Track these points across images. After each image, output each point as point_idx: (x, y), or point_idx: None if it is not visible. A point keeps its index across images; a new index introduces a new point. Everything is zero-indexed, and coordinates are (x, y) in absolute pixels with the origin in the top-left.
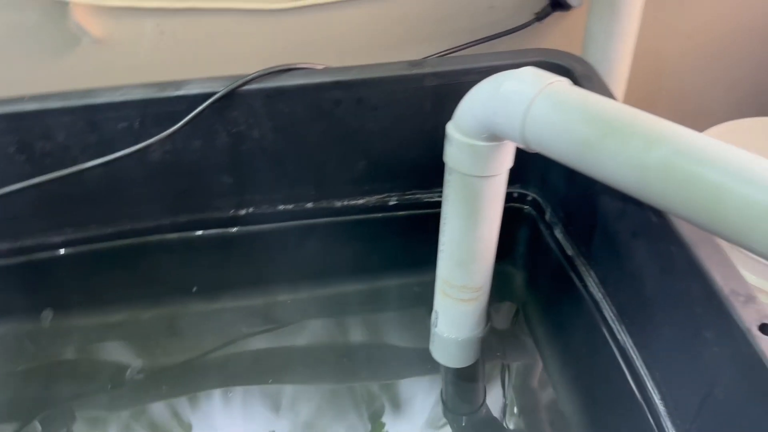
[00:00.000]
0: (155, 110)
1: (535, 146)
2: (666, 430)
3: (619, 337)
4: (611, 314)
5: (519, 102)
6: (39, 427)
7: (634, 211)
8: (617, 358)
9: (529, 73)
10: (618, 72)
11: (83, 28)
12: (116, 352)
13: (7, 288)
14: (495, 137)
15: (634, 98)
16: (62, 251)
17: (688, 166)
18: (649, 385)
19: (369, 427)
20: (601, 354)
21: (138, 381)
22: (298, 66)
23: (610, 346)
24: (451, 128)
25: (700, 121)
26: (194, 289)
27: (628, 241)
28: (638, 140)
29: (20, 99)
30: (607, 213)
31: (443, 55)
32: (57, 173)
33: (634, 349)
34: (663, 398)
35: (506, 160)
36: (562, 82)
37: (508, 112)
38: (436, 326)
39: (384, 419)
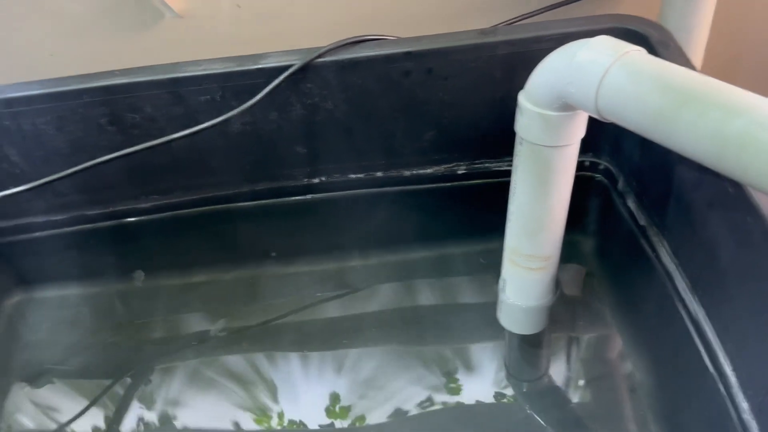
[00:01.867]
0: (235, 83)
1: (609, 116)
2: (738, 401)
3: (691, 308)
4: (684, 285)
5: (593, 72)
6: (129, 380)
7: (710, 182)
8: (689, 329)
9: (604, 42)
10: (696, 39)
11: (166, 3)
12: (200, 312)
13: (99, 251)
14: (568, 107)
15: (711, 67)
16: (149, 216)
17: None
18: (722, 356)
19: (437, 382)
20: (672, 324)
21: (220, 338)
22: (370, 37)
23: (682, 317)
24: (522, 98)
25: None
26: (273, 254)
27: (703, 212)
28: (717, 111)
29: (111, 73)
30: (683, 183)
31: (513, 22)
32: (147, 144)
33: (707, 320)
34: (735, 370)
35: (578, 130)
36: (639, 52)
37: (581, 81)
38: (503, 293)
39: (446, 379)
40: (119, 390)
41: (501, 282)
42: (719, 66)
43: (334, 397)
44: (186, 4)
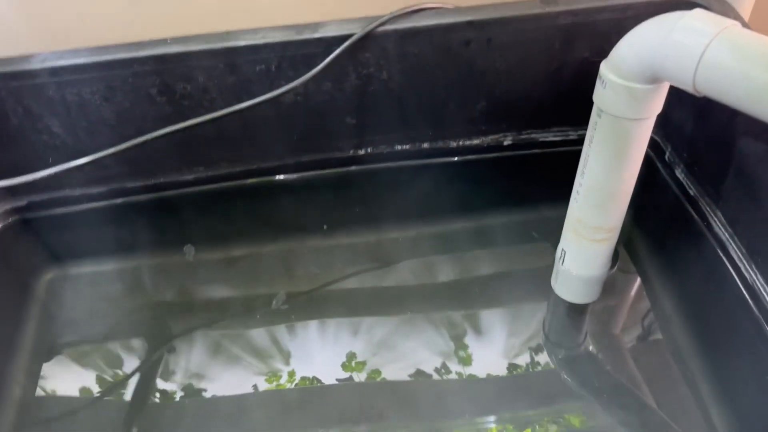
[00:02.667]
0: (292, 53)
1: (706, 91)
2: None
3: (747, 276)
4: (739, 254)
5: (693, 45)
6: (171, 351)
7: None
8: (745, 297)
9: (702, 15)
10: (743, 11)
11: None
12: (242, 284)
13: (140, 224)
14: (657, 80)
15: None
16: (193, 188)
17: None
18: None
19: (454, 347)
20: (724, 292)
21: (268, 310)
22: (429, 6)
23: (737, 285)
24: (606, 69)
25: None
26: (324, 227)
27: None
28: None
29: (163, 41)
30: (747, 155)
31: None
32: (199, 119)
33: (766, 287)
34: None
35: (660, 102)
36: (737, 26)
37: (680, 56)
38: (562, 263)
39: (477, 343)
40: (162, 360)
41: (559, 251)
42: None
43: (356, 359)
44: None
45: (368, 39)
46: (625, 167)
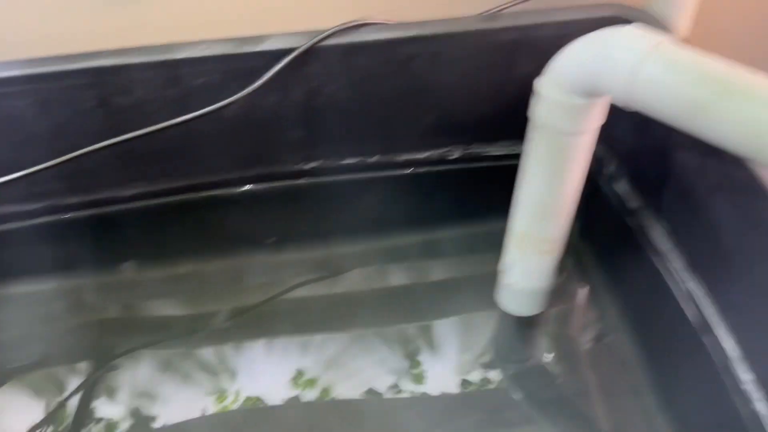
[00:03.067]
0: (235, 66)
1: (639, 106)
2: (738, 372)
3: (687, 285)
4: (680, 264)
5: (627, 61)
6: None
7: (715, 166)
8: (685, 306)
9: (637, 31)
10: (681, 27)
11: None
12: (187, 301)
13: (78, 242)
14: (593, 94)
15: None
16: (134, 204)
17: None
18: (721, 331)
19: (407, 365)
20: (665, 302)
21: (213, 327)
22: (373, 21)
23: (677, 295)
24: (542, 84)
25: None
26: (268, 240)
27: (705, 195)
28: (759, 102)
29: (99, 54)
30: (684, 167)
31: (508, 8)
32: (138, 132)
33: (706, 297)
34: (739, 342)
35: (600, 116)
36: (671, 41)
37: (614, 71)
38: (507, 276)
39: (429, 360)
40: (105, 381)
41: (504, 265)
42: None
43: (304, 376)
44: None
45: (312, 53)
46: (566, 181)
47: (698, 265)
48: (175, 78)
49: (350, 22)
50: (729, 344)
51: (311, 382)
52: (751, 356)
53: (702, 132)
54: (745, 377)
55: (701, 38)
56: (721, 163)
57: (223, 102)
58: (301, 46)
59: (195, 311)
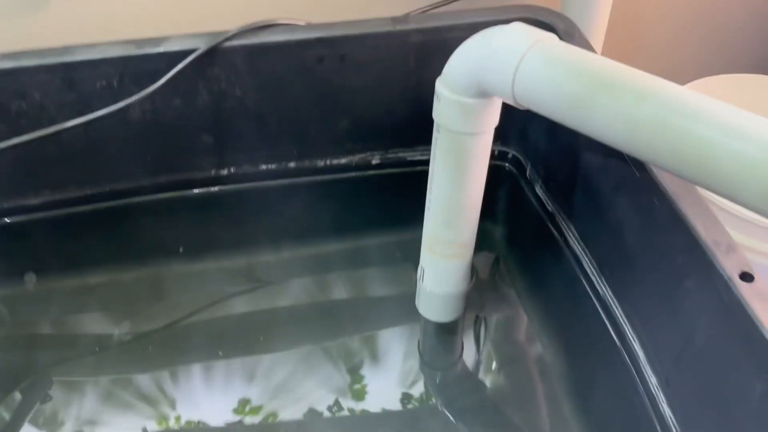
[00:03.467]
0: (134, 68)
1: (525, 102)
2: (646, 375)
3: (599, 288)
4: (591, 268)
5: (509, 58)
6: (19, 396)
7: (615, 166)
8: (597, 309)
9: (519, 29)
10: (597, 28)
11: None
12: (98, 316)
13: None
14: (484, 93)
15: (609, 55)
16: (39, 214)
17: (678, 120)
18: (629, 334)
19: (348, 379)
20: (581, 306)
21: (122, 344)
22: (279, 22)
23: (591, 298)
24: (440, 85)
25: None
26: (180, 249)
27: (609, 196)
28: (629, 95)
29: None
30: (589, 168)
31: (425, 11)
32: (34, 134)
33: (614, 300)
34: (643, 346)
35: (494, 117)
36: (552, 38)
37: (498, 68)
38: (422, 282)
39: (362, 372)
40: (9, 406)
41: (419, 270)
42: (617, 54)
43: (244, 401)
44: None
45: (215, 54)
46: (467, 182)
47: (606, 268)
48: (72, 81)
49: (255, 23)
50: (637, 347)
51: (255, 410)
52: (652, 359)
53: (583, 127)
54: (652, 380)
55: (618, 39)
56: (621, 162)
57: (118, 105)
58: (203, 47)
59: (104, 326)
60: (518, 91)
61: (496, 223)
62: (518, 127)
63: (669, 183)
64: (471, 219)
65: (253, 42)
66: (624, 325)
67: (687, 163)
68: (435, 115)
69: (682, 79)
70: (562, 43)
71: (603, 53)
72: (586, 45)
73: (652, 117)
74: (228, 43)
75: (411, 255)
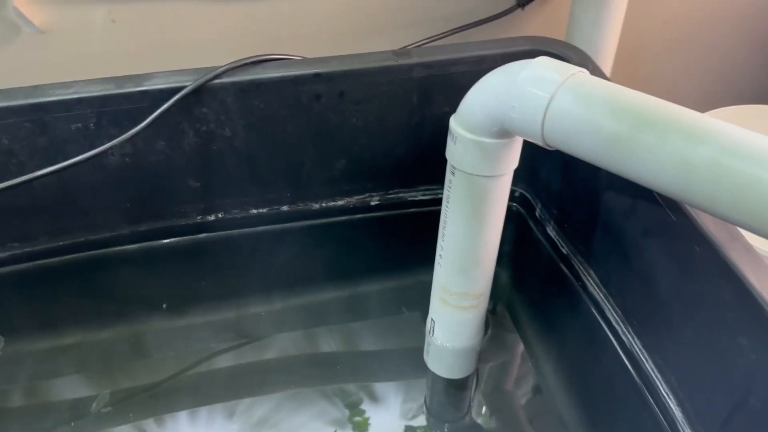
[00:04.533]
0: (113, 108)
1: (556, 143)
2: None
3: (624, 339)
4: (615, 316)
5: (539, 95)
6: None
7: (645, 208)
8: (624, 362)
9: (548, 63)
10: (604, 60)
11: (24, 16)
12: (74, 381)
13: None
14: (506, 133)
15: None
16: (7, 268)
17: (743, 165)
18: (662, 390)
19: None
20: (604, 357)
21: (101, 411)
22: (273, 57)
23: (615, 349)
24: (455, 123)
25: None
26: (164, 305)
27: (637, 240)
28: (681, 136)
29: None
30: (612, 210)
31: (422, 44)
32: (1, 184)
33: (644, 352)
34: (680, 404)
35: (515, 157)
36: (584, 73)
37: (525, 106)
38: (432, 335)
39: (362, 425)
40: None
41: (429, 323)
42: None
43: None
44: (50, 17)
45: (203, 92)
46: (486, 228)
47: (634, 318)
48: (44, 124)
49: (247, 58)
50: (672, 404)
51: None
52: (692, 420)
53: (623, 169)
54: None
55: (626, 68)
56: (652, 204)
57: (97, 149)
58: (190, 85)
59: (81, 390)
60: (549, 132)
61: (502, 266)
62: (527, 164)
63: (712, 227)
64: (488, 267)
65: (244, 79)
66: (656, 379)
67: (753, 213)
68: (449, 156)
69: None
70: (596, 79)
71: None
72: (605, 78)
73: (710, 161)
74: (217, 81)
75: (414, 302)
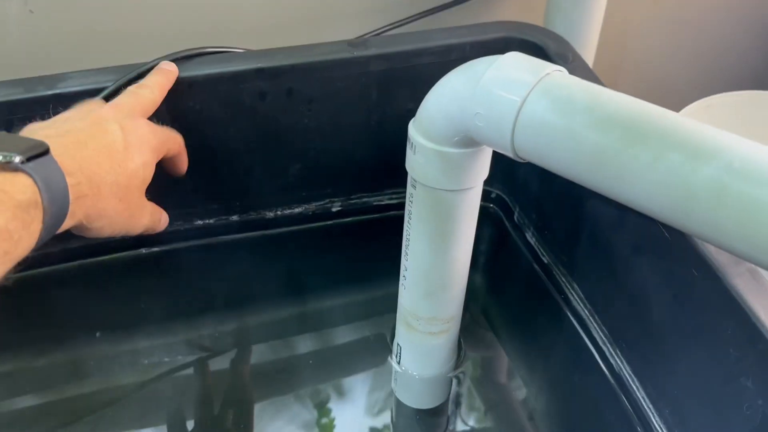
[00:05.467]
0: (24, 114)
1: (529, 156)
2: None
3: (613, 362)
4: (602, 336)
5: (507, 100)
6: None
7: (635, 222)
8: (612, 386)
9: (517, 60)
10: (586, 45)
11: None
12: (11, 412)
13: None
14: (472, 142)
15: (597, 70)
16: None
17: (751, 188)
18: (655, 421)
19: None
20: (590, 380)
21: None
22: (210, 50)
23: (603, 372)
24: (413, 130)
25: (664, 92)
26: (97, 334)
27: (626, 256)
28: (677, 152)
29: None
30: (598, 220)
31: (383, 32)
32: None
33: (634, 379)
34: None
35: (484, 168)
36: (561, 72)
37: (492, 112)
38: (398, 362)
39: None
40: None
41: (395, 348)
42: (604, 68)
43: None
44: None
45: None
46: (453, 247)
47: (623, 341)
48: None
49: (179, 52)
50: None
51: None
52: None
53: (609, 191)
54: None
55: (612, 52)
56: (642, 218)
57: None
58: (111, 85)
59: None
60: (520, 144)
61: (476, 269)
62: (503, 163)
63: (712, 248)
64: (457, 290)
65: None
66: (648, 411)
67: (765, 246)
68: (409, 167)
69: (677, 98)
70: (576, 79)
71: None
72: (587, 71)
73: (714, 183)
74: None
75: (383, 317)
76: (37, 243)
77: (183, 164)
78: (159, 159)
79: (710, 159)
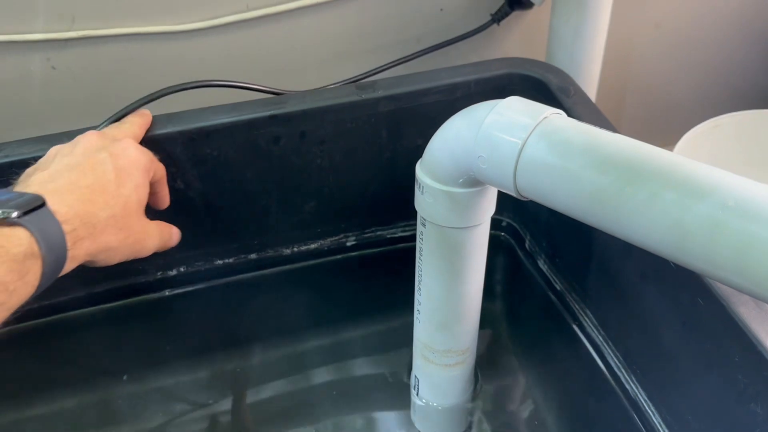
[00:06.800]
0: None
1: (531, 196)
2: None
3: (628, 387)
4: (616, 361)
5: (508, 143)
6: None
7: (641, 251)
8: (629, 411)
9: (516, 104)
10: (589, 75)
11: None
12: None
13: None
14: (477, 182)
15: (600, 94)
16: None
17: (744, 224)
18: None
19: None
20: (606, 403)
21: None
22: (213, 82)
23: (618, 396)
24: (421, 172)
25: (671, 113)
26: (125, 377)
27: (635, 283)
28: (672, 191)
29: None
30: (606, 248)
31: (391, 67)
32: None
33: (648, 403)
34: None
35: (491, 204)
36: (559, 115)
37: (494, 155)
38: (416, 393)
39: None
40: None
41: (413, 380)
42: (607, 93)
43: None
44: None
45: (147, 143)
46: (465, 282)
47: (636, 366)
48: None
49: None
50: None
51: None
52: None
53: (609, 228)
54: None
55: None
56: None
57: None
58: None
59: None
60: (523, 184)
61: (491, 297)
62: None
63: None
64: (471, 322)
65: (192, 127)
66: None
67: (759, 279)
68: (418, 206)
69: (684, 119)
70: (573, 122)
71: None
72: (588, 104)
73: (708, 220)
74: (164, 130)
75: (401, 347)
76: (36, 291)
77: (165, 196)
78: (150, 178)
79: (703, 197)
